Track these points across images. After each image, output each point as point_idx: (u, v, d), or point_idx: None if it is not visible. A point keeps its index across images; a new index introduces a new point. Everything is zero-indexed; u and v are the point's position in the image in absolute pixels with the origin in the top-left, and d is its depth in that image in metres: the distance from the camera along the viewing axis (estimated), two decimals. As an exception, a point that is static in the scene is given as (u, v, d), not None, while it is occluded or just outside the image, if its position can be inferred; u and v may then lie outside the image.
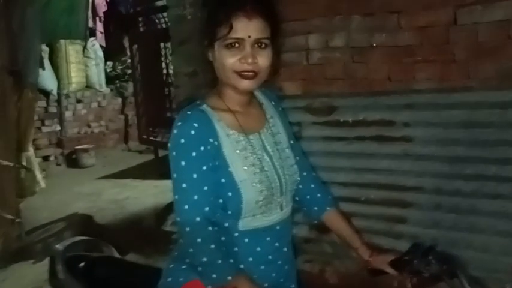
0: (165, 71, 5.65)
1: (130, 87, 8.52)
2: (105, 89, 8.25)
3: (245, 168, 1.35)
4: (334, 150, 2.91)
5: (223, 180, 1.34)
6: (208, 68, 1.44)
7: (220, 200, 1.35)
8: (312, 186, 1.61)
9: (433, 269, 1.36)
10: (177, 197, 1.34)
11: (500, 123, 2.42)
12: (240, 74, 1.33)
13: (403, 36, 2.66)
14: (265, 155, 1.42)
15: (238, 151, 1.37)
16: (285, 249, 1.48)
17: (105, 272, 1.69)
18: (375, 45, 2.76)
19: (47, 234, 4.47)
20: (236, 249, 1.38)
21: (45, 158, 7.20)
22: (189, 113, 1.35)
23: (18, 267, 3.77)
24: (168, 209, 4.18)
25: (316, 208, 1.60)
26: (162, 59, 5.60)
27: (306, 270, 2.84)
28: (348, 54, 2.86)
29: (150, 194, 5.45)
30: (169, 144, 1.36)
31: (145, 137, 6.27)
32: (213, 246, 1.31)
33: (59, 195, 5.61)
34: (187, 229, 1.31)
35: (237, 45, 1.32)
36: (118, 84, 8.66)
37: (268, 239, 1.42)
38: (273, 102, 1.57)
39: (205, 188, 1.32)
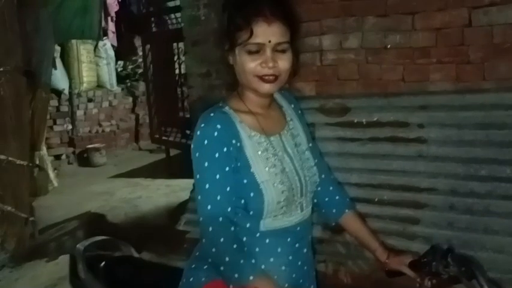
0: (177, 71, 5.68)
1: (141, 86, 8.57)
2: (116, 89, 8.29)
3: (267, 169, 1.37)
4: (347, 151, 2.92)
5: (245, 181, 1.36)
6: (229, 71, 1.46)
7: (242, 201, 1.37)
8: (331, 188, 1.62)
9: (451, 271, 1.37)
10: (199, 197, 1.35)
11: (516, 125, 2.43)
12: (261, 78, 1.35)
13: (418, 38, 2.67)
14: (285, 156, 1.43)
15: (259, 152, 1.38)
16: (305, 250, 1.49)
17: (125, 272, 1.71)
18: (389, 46, 2.77)
19: (60, 233, 4.53)
20: (257, 249, 1.39)
21: (57, 157, 7.25)
22: (212, 114, 1.37)
23: (31, 266, 3.79)
24: (181, 208, 4.20)
25: (334, 210, 1.61)
26: (175, 59, 5.62)
27: (320, 270, 2.85)
28: (361, 55, 2.87)
29: (162, 193, 5.48)
30: (192, 146, 1.38)
31: (157, 136, 6.31)
32: (235, 246, 1.32)
33: (72, 194, 5.65)
34: (210, 229, 1.33)
35: (257, 49, 1.33)
36: (129, 84, 8.71)
37: (288, 239, 1.43)
38: (292, 105, 1.58)
39: (228, 188, 1.34)
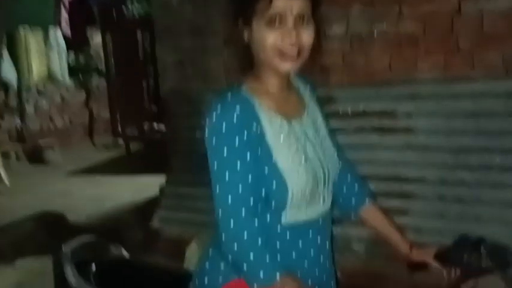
0: (142, 61, 5.43)
1: (94, 80, 8.22)
2: (68, 82, 7.90)
3: (290, 156, 1.25)
4: (332, 142, 2.84)
5: (266, 171, 1.24)
6: (243, 51, 1.32)
7: (263, 193, 1.24)
8: (349, 177, 1.52)
9: (484, 262, 1.30)
10: (218, 189, 1.22)
11: (505, 113, 2.43)
12: (282, 54, 1.23)
13: (405, 25, 2.63)
14: (307, 143, 1.32)
15: (281, 138, 1.26)
16: (327, 244, 1.39)
17: (120, 275, 1.55)
18: (375, 34, 2.71)
19: (16, 235, 4.22)
20: (278, 245, 1.28)
21: (5, 155, 6.79)
22: (229, 97, 1.23)
23: (-14, 271, 3.52)
24: (149, 205, 4.01)
25: (353, 201, 1.51)
26: (139, 48, 5.37)
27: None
28: (347, 43, 2.80)
29: (125, 190, 5.24)
30: (206, 133, 1.24)
31: (119, 130, 6.02)
32: (260, 242, 1.21)
33: (26, 194, 5.30)
34: (232, 224, 1.20)
35: (278, 21, 1.21)
36: (81, 77, 8.32)
37: (310, 233, 1.32)
38: (309, 88, 1.47)
39: (250, 179, 1.21)
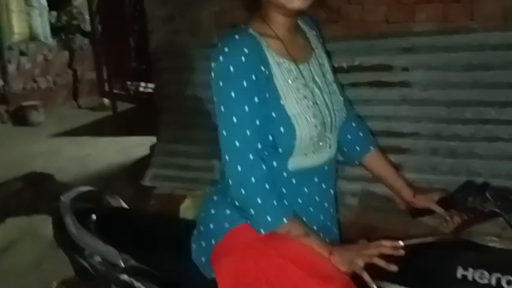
0: (129, 18, 5.25)
1: (78, 39, 7.99)
2: (51, 41, 7.66)
3: (298, 100, 1.22)
4: (327, 97, 2.80)
5: (274, 115, 1.21)
6: None
7: (270, 137, 1.22)
8: (354, 124, 1.50)
9: (489, 206, 1.30)
10: (225, 133, 1.19)
11: (502, 65, 2.40)
12: None
13: (403, -26, 2.56)
14: (315, 87, 1.29)
15: (290, 82, 1.23)
16: (331, 191, 1.38)
17: (121, 224, 1.53)
18: (371, -16, 2.64)
19: (3, 194, 4.16)
20: (284, 190, 1.26)
21: (-11, 117, 6.67)
22: (237, 37, 1.19)
23: (-26, 230, 3.47)
24: (139, 164, 3.97)
25: (358, 148, 1.50)
26: (126, 3, 5.18)
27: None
28: (342, -5, 2.72)
29: (112, 150, 5.17)
30: (212, 75, 1.20)
31: (107, 89, 5.87)
32: (267, 186, 1.19)
33: (11, 154, 5.21)
34: (239, 168, 1.18)
35: None
36: (64, 37, 8.07)
37: (316, 179, 1.32)
38: (314, 31, 1.43)
39: (258, 122, 1.19)
